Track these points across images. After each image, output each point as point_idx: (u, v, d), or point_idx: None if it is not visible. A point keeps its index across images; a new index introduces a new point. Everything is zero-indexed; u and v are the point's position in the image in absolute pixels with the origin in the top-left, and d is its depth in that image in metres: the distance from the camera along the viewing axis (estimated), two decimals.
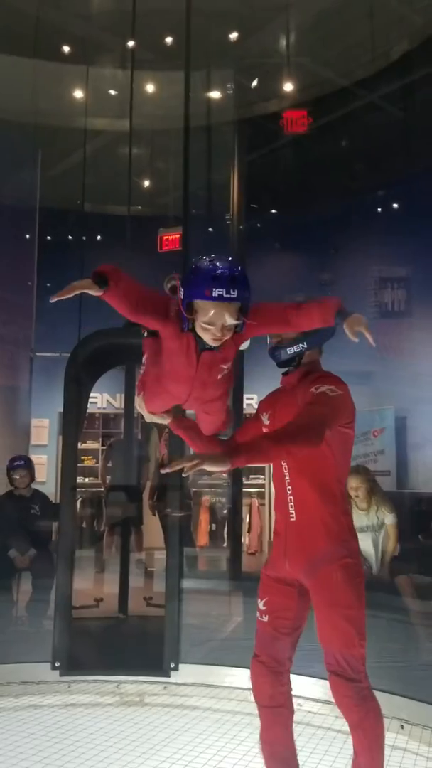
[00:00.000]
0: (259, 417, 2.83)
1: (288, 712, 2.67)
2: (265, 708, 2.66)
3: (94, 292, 2.27)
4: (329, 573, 2.51)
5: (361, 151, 7.61)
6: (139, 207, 8.57)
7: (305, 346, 2.68)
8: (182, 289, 2.29)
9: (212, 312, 2.25)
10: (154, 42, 6.70)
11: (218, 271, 2.22)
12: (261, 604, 2.69)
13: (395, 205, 8.42)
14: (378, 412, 10.50)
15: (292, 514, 2.61)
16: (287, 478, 2.62)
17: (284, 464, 2.62)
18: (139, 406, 2.81)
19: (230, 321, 2.28)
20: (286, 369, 2.78)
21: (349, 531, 2.62)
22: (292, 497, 2.61)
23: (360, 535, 5.21)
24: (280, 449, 2.34)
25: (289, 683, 2.68)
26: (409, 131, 7.49)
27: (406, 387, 9.78)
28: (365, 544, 5.24)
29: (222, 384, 2.57)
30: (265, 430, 2.74)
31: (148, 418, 2.80)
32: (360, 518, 5.26)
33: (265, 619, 2.66)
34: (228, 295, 2.21)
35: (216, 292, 2.20)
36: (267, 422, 2.76)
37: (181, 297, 2.29)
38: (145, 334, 2.62)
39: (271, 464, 2.78)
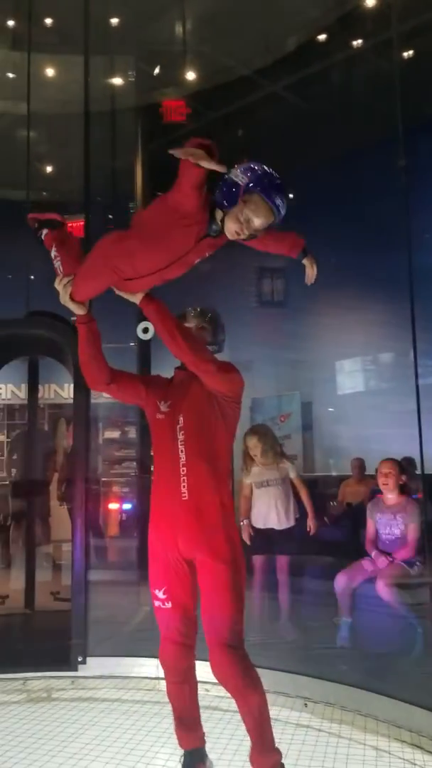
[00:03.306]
0: (151, 396, 2.93)
1: (195, 683, 2.91)
2: (176, 684, 2.87)
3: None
4: (223, 547, 2.72)
5: (263, 140, 7.67)
6: (44, 193, 8.36)
7: (217, 349, 2.99)
8: (244, 175, 2.44)
9: (259, 210, 2.43)
10: (54, 24, 6.53)
11: (282, 185, 2.46)
12: (160, 593, 2.80)
13: (290, 195, 8.56)
14: (284, 398, 10.72)
15: (184, 493, 2.75)
16: (182, 459, 2.77)
17: (180, 446, 2.78)
18: (63, 288, 2.80)
19: (260, 227, 2.48)
20: (181, 365, 2.93)
21: (232, 507, 2.90)
22: (185, 477, 2.76)
23: (262, 489, 5.30)
24: (177, 336, 2.71)
25: (194, 657, 2.88)
26: (311, 122, 7.62)
27: (311, 373, 10.03)
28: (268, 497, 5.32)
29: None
30: (161, 417, 2.88)
31: (66, 301, 2.82)
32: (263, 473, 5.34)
33: (169, 605, 2.79)
34: (280, 210, 2.44)
35: (277, 200, 2.43)
36: (165, 410, 2.88)
37: (240, 181, 2.43)
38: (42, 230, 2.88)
39: (158, 446, 2.90)
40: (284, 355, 9.73)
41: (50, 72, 6.77)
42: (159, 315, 2.79)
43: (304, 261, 2.76)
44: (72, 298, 2.80)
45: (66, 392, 10.50)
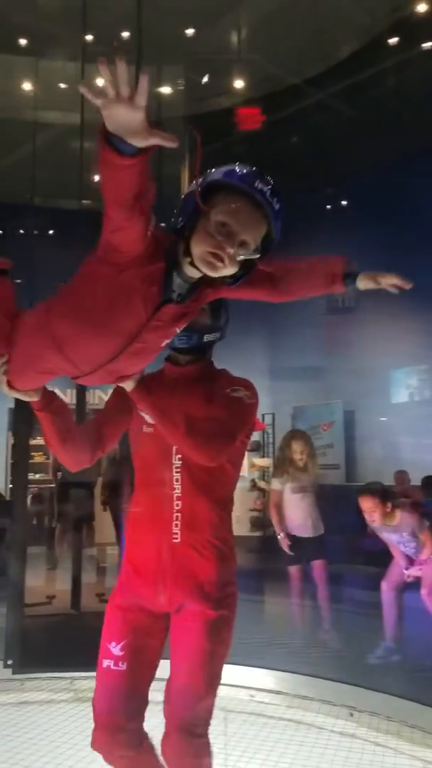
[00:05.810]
0: (129, 407, 2.19)
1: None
2: None
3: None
4: (218, 600, 2.10)
5: (312, 148, 7.70)
6: (89, 202, 8.52)
7: (219, 335, 2.22)
8: (202, 178, 1.68)
9: (239, 209, 1.60)
10: (107, 36, 6.67)
11: (263, 173, 1.67)
12: (116, 648, 2.11)
13: (344, 203, 8.55)
14: (326, 406, 10.67)
15: (176, 534, 2.11)
16: (177, 492, 2.11)
17: (176, 473, 2.12)
18: None
19: (252, 238, 1.64)
20: (171, 356, 2.23)
21: (234, 553, 2.22)
22: (179, 515, 2.11)
23: (299, 495, 5.27)
24: (182, 437, 1.98)
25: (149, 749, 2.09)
26: (362, 129, 7.62)
27: (353, 381, 9.99)
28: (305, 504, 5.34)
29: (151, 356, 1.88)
30: (149, 430, 2.15)
31: (8, 392, 1.98)
32: (303, 478, 5.35)
33: (123, 667, 2.08)
34: (270, 202, 1.62)
35: (258, 184, 1.61)
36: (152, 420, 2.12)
37: (199, 184, 1.65)
38: None
39: (143, 470, 2.22)
40: (327, 363, 9.70)
41: (102, 82, 6.89)
42: (156, 414, 2.04)
43: (363, 284, 1.92)
44: (12, 387, 1.95)
45: None
